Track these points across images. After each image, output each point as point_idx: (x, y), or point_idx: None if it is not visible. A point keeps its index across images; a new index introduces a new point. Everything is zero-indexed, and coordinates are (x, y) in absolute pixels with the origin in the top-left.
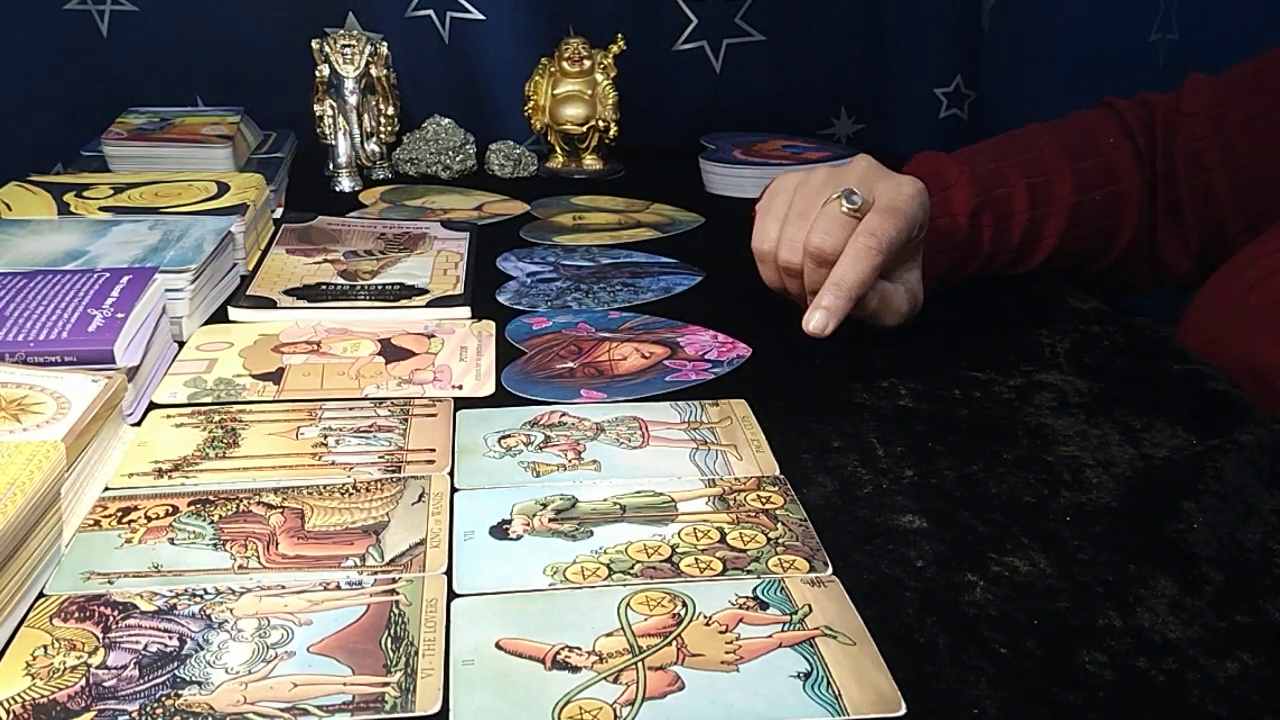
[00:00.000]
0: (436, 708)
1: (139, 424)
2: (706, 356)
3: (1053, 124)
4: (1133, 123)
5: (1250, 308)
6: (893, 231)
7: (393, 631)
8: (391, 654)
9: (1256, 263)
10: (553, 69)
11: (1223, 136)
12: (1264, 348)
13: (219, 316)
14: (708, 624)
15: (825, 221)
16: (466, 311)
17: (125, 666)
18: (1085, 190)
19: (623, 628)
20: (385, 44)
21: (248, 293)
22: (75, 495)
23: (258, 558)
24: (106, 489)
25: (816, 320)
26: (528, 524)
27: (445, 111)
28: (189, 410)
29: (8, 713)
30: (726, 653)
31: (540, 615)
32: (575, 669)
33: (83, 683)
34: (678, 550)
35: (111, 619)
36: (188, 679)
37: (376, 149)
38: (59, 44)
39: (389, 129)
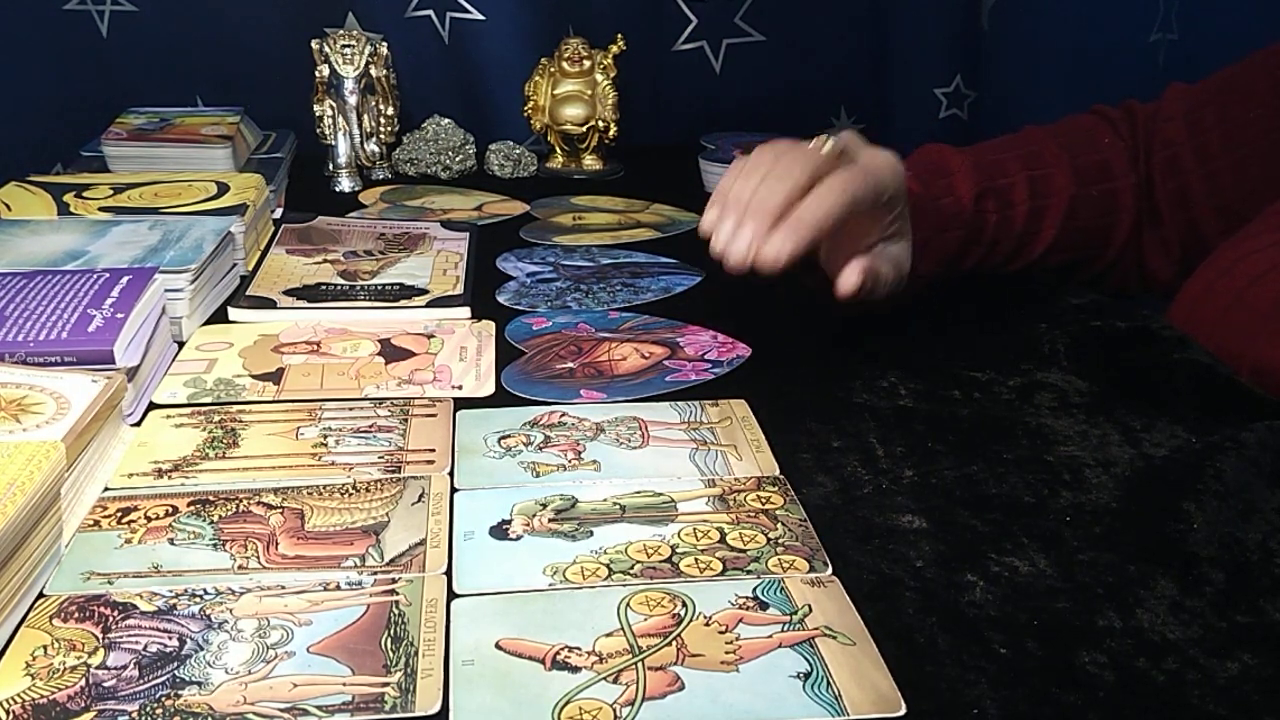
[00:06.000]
0: (436, 708)
1: (139, 424)
2: (706, 356)
3: (1050, 126)
4: (1121, 128)
5: (1249, 305)
6: (857, 183)
7: (393, 631)
8: (391, 654)
9: (1251, 257)
10: (553, 69)
11: (1198, 140)
12: (1265, 348)
13: (219, 316)
14: (708, 624)
15: (800, 152)
16: (466, 311)
17: (125, 666)
18: (1083, 185)
19: (623, 628)
20: (385, 44)
21: (248, 293)
22: (75, 495)
23: (258, 558)
24: (106, 489)
25: (772, 246)
26: (528, 524)
27: (445, 111)
28: (189, 410)
29: (8, 713)
30: (726, 653)
31: (540, 615)
32: (575, 669)
33: (83, 683)
34: (678, 550)
35: (111, 619)
36: (188, 679)
37: (376, 149)
38: (59, 44)
39: (389, 129)
